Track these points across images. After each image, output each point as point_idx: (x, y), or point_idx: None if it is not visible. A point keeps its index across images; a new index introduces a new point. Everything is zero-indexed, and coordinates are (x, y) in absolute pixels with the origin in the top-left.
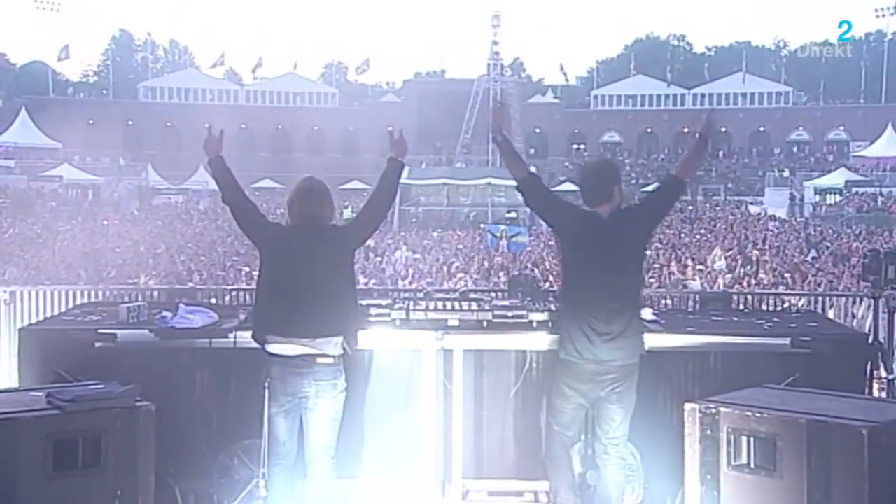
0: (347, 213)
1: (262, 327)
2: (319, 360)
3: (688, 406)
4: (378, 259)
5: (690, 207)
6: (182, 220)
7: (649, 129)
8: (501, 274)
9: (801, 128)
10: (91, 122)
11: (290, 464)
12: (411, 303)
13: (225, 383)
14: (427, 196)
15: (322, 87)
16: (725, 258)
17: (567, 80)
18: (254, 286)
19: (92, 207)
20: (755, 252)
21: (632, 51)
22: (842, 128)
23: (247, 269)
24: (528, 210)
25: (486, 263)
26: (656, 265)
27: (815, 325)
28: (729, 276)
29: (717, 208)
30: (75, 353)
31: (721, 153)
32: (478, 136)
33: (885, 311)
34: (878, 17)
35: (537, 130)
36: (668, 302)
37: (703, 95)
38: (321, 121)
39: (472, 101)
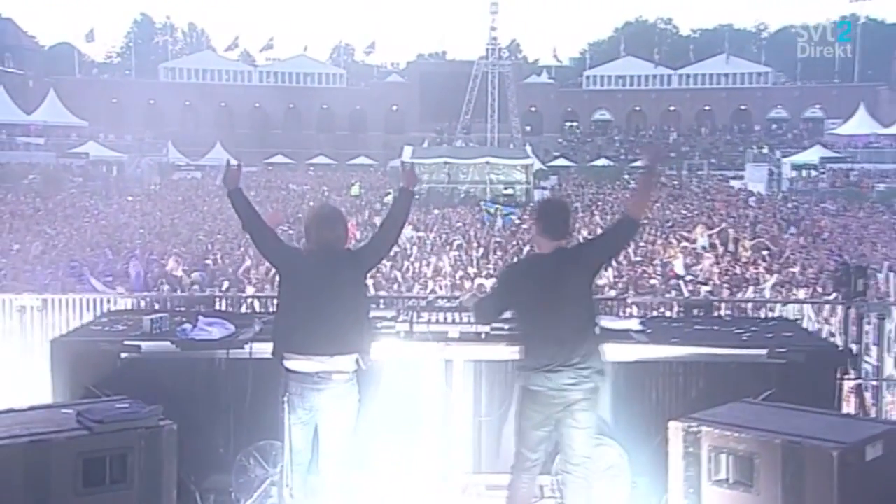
0: (355, 190)
1: (282, 345)
2: (335, 376)
3: (672, 424)
4: None
5: (676, 182)
6: (200, 197)
7: (638, 108)
8: (500, 252)
9: (779, 106)
10: (115, 100)
11: (305, 469)
12: (415, 314)
13: (241, 390)
14: (429, 174)
15: (331, 69)
16: (708, 236)
17: (559, 61)
18: (264, 288)
19: (116, 183)
20: (730, 230)
21: (621, 33)
22: (818, 106)
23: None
24: (524, 187)
25: (482, 241)
26: (642, 243)
27: (789, 335)
28: (711, 254)
29: (701, 184)
30: (103, 363)
31: (704, 130)
32: (477, 116)
33: (855, 319)
34: (851, 2)
35: (532, 109)
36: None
37: (688, 76)
38: (330, 100)
39: (472, 84)
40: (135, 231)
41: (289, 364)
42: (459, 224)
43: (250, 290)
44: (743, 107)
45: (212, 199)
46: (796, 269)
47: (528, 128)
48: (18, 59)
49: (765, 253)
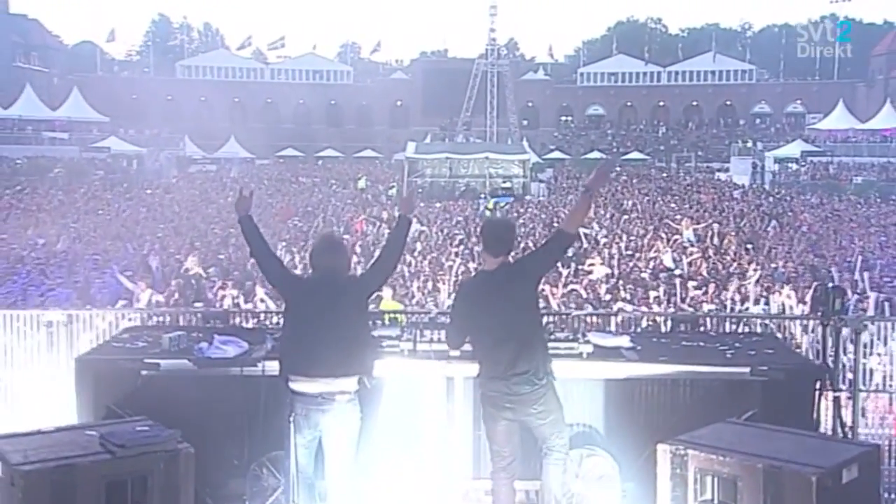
0: (361, 183)
1: (288, 367)
2: (338, 396)
3: (660, 447)
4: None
5: (665, 174)
6: (215, 190)
7: (629, 103)
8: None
9: (763, 101)
10: (134, 97)
11: (312, 483)
12: (418, 332)
13: (254, 405)
14: (432, 168)
15: (338, 66)
16: (694, 229)
17: (554, 58)
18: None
19: (137, 176)
20: (715, 225)
21: (614, 32)
22: (799, 102)
23: (282, 244)
24: (522, 181)
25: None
26: (633, 236)
27: (770, 351)
28: (696, 249)
29: (689, 176)
30: (124, 380)
31: (692, 124)
32: (477, 113)
33: (832, 335)
34: (831, 3)
35: (530, 104)
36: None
37: (676, 73)
38: (338, 96)
39: (472, 83)
40: (154, 225)
41: (294, 386)
42: (460, 218)
43: (260, 292)
44: (728, 102)
45: (226, 192)
46: (779, 264)
47: (525, 122)
48: (44, 58)
49: (749, 247)
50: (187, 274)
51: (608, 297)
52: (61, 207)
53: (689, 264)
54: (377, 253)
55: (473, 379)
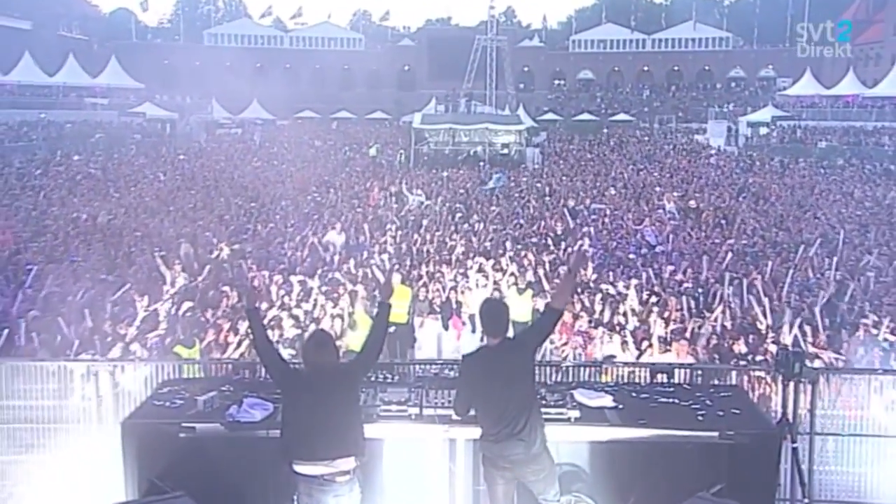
0: (373, 151)
1: (289, 452)
2: (339, 478)
3: None
4: (396, 206)
5: (647, 138)
6: (240, 154)
7: (616, 68)
8: (497, 221)
9: (738, 66)
10: (166, 62)
11: None
12: (424, 394)
13: (278, 462)
14: (437, 137)
15: (351, 34)
16: (674, 202)
17: (548, 26)
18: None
19: (170, 140)
20: (691, 202)
21: (603, 2)
22: (770, 67)
23: (290, 223)
24: (518, 148)
25: (481, 213)
26: (617, 210)
27: (737, 411)
28: (675, 223)
29: (669, 140)
30: (165, 444)
31: (673, 88)
32: (477, 85)
33: (793, 394)
34: None
35: (525, 69)
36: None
37: (660, 40)
38: (350, 61)
39: (473, 57)
40: (186, 195)
41: (297, 468)
42: (462, 191)
43: (277, 277)
44: (707, 67)
45: (251, 158)
46: (748, 240)
47: (521, 86)
48: (84, 27)
49: (723, 222)
50: (221, 263)
51: (594, 276)
52: (103, 176)
53: (669, 239)
54: (363, 343)
55: (474, 441)
